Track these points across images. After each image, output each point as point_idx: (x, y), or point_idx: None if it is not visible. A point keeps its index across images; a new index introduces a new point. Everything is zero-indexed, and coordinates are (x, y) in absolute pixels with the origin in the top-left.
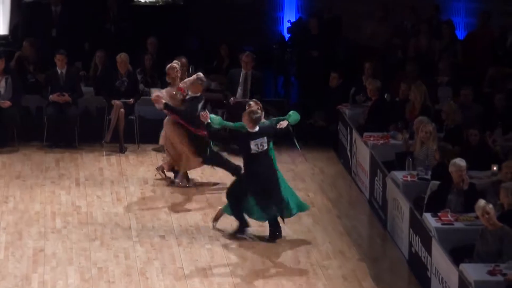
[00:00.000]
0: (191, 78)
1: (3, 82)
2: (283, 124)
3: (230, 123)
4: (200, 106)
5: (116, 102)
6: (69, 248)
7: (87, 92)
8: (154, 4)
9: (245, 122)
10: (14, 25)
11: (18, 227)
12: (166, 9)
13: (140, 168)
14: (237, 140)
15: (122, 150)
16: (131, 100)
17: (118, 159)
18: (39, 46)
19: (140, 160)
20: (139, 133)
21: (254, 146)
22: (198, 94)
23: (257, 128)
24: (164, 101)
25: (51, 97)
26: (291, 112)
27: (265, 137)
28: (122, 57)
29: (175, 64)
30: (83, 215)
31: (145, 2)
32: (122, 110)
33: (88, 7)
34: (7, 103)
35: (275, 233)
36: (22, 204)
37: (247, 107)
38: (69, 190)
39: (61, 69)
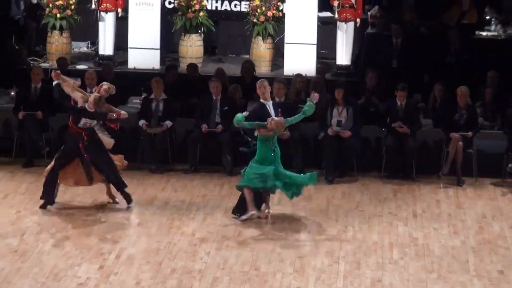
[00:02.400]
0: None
1: (344, 112)
2: None
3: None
4: None
5: (455, 135)
6: (406, 279)
7: (425, 124)
8: (496, 38)
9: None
10: (355, 55)
11: (357, 257)
12: (509, 42)
13: (478, 202)
14: None
15: (459, 183)
16: (470, 133)
17: (455, 191)
18: (380, 77)
19: (478, 193)
20: (477, 167)
21: None
22: None
23: None
24: None
25: (393, 124)
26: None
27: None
28: (462, 90)
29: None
30: (420, 247)
31: (487, 35)
32: (460, 143)
33: (430, 39)
34: (347, 133)
35: None
36: (360, 234)
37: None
38: (406, 221)
39: (401, 102)
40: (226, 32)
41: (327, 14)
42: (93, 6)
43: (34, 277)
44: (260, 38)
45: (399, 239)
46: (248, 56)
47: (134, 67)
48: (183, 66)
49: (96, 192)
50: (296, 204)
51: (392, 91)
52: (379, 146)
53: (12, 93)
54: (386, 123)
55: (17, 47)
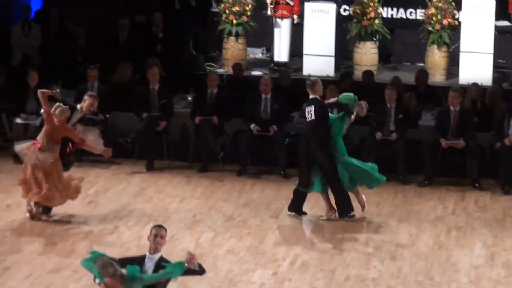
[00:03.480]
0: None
1: None
2: (331, 100)
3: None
4: None
5: None
6: None
7: None
8: None
9: None
10: None
11: None
12: None
13: None
14: None
15: None
16: None
17: None
18: None
19: None
20: None
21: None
22: None
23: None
24: None
25: None
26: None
27: (312, 106)
28: None
29: None
30: None
31: None
32: None
33: None
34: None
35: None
36: None
37: None
38: None
39: None
40: (401, 40)
41: (505, 23)
42: (269, 12)
43: (209, 282)
44: (435, 46)
45: None
46: (423, 64)
47: (309, 74)
48: (357, 73)
49: (271, 199)
50: (471, 214)
51: None
52: None
53: (189, 98)
54: None
55: (194, 53)
